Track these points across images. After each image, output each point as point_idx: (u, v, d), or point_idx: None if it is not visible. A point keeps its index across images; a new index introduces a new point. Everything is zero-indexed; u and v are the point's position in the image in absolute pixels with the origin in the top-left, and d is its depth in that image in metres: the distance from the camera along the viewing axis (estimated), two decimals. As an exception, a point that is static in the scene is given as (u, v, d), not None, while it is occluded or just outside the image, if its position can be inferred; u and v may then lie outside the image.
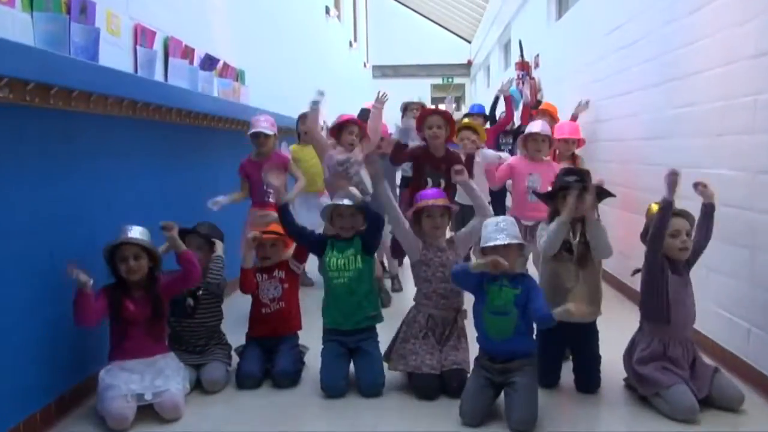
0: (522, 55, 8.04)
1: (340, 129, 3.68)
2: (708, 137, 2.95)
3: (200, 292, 2.70)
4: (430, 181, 3.46)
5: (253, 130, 3.64)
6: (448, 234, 2.81)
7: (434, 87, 18.90)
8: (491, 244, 2.33)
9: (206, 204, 3.38)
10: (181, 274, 2.56)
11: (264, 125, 3.66)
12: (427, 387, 2.51)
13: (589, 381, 2.58)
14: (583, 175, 2.60)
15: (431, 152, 3.46)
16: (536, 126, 3.66)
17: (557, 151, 4.14)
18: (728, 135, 2.78)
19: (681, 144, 3.24)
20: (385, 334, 2.76)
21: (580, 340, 2.60)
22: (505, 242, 2.32)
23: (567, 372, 2.65)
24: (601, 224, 2.57)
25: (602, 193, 2.62)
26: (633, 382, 2.50)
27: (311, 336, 2.83)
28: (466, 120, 4.54)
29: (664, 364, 2.39)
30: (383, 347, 2.72)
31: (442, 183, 3.40)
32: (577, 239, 2.53)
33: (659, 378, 2.36)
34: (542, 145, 3.59)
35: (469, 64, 19.28)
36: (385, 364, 2.65)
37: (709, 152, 2.94)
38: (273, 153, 3.73)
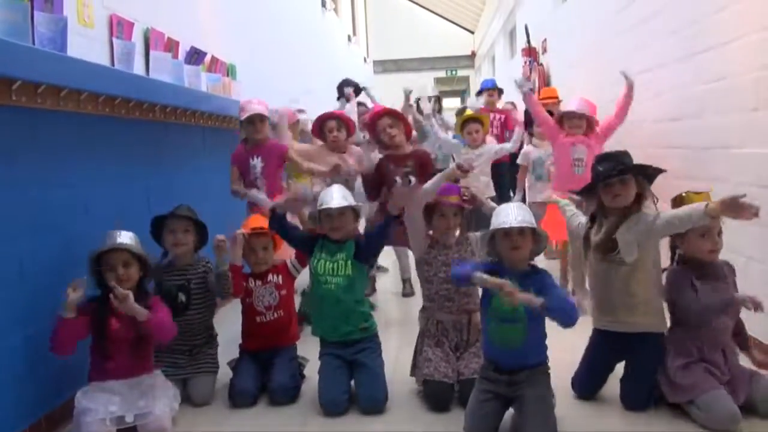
0: (528, 41, 7.78)
1: (320, 127, 3.57)
2: (741, 113, 2.68)
3: (192, 284, 2.52)
4: (398, 180, 3.06)
5: (249, 114, 3.25)
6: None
7: (438, 80, 18.60)
8: (503, 227, 2.01)
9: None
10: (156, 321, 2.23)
11: (259, 107, 3.27)
12: (437, 396, 2.29)
13: (637, 398, 2.23)
14: (622, 159, 2.26)
15: (394, 153, 3.20)
16: (571, 104, 3.44)
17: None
18: (765, 109, 2.51)
19: (710, 122, 2.98)
20: (388, 342, 2.56)
21: (637, 352, 2.24)
22: (519, 225, 2.00)
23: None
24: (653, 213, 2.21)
25: (651, 174, 2.25)
26: (663, 388, 2.22)
27: (311, 345, 2.60)
28: (469, 111, 4.35)
29: (705, 366, 2.14)
30: (390, 356, 2.51)
31: (413, 180, 3.02)
32: (599, 235, 2.24)
33: (695, 382, 2.10)
34: (579, 122, 3.37)
35: (473, 55, 18.98)
36: (389, 378, 2.43)
37: (742, 129, 2.69)
38: (268, 140, 3.36)
